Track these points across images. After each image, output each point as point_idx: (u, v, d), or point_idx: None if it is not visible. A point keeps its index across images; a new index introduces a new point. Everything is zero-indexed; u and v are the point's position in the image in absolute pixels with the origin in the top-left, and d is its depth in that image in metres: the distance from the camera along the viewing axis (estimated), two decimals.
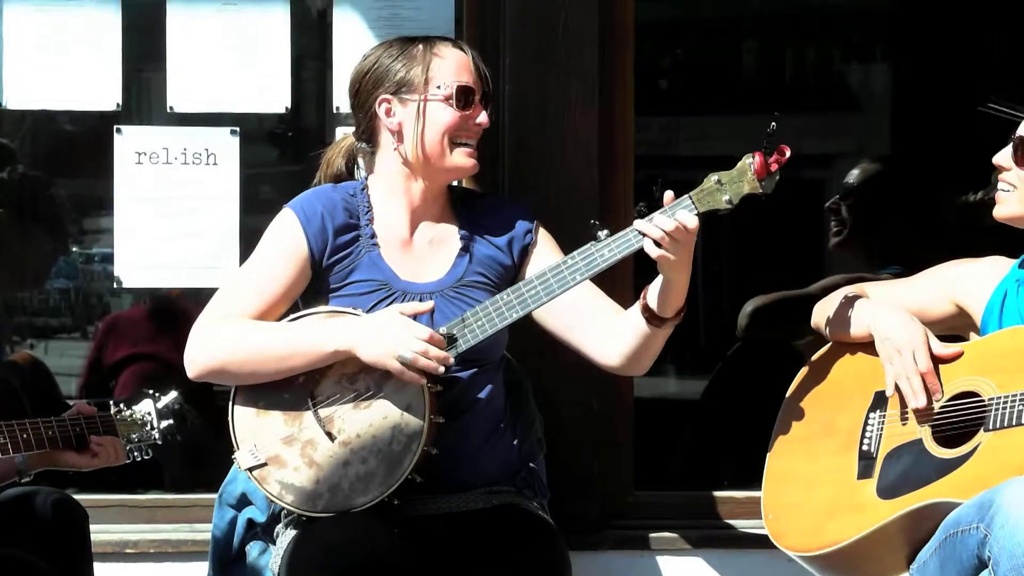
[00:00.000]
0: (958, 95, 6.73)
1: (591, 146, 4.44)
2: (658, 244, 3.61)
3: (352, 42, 4.53)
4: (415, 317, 3.72)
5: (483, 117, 3.87)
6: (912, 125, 7.45)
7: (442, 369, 3.66)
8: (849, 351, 3.87)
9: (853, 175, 5.50)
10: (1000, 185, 3.78)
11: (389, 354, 3.65)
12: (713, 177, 3.66)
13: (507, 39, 4.44)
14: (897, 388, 3.72)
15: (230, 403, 3.80)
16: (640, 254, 3.67)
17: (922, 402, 3.67)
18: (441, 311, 3.80)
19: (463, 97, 3.83)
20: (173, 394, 4.15)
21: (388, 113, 3.85)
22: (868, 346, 3.81)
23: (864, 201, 5.39)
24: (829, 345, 3.93)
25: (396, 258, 3.87)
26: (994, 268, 3.83)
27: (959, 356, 3.71)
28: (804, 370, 3.95)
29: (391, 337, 3.66)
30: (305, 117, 5.90)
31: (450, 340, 3.71)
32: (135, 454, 4.09)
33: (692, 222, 3.60)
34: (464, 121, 3.84)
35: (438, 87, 3.83)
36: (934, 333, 3.76)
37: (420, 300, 3.80)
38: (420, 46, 3.86)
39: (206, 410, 4.76)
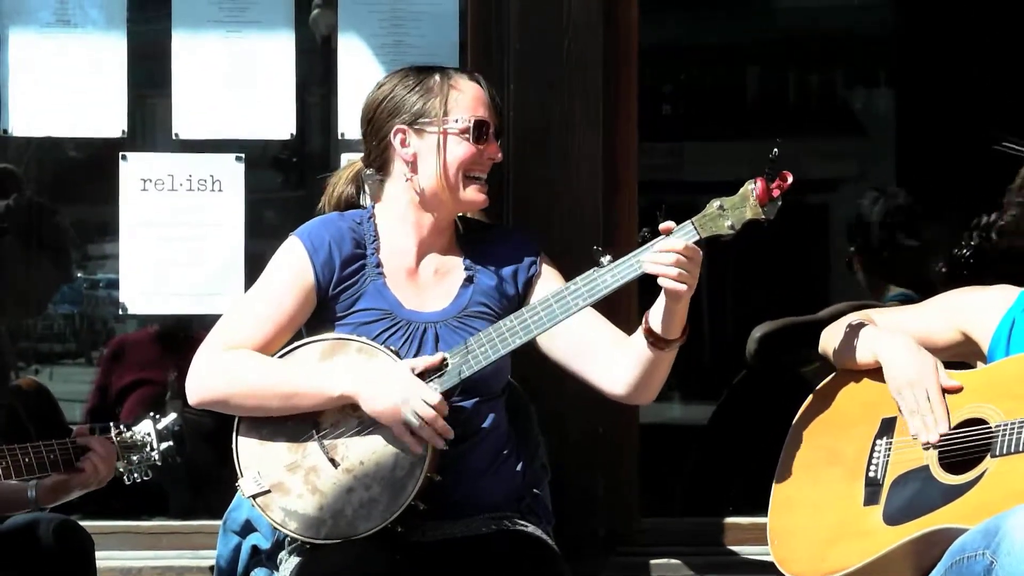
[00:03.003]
0: (962, 120, 6.73)
1: (595, 171, 4.45)
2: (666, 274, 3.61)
3: (357, 68, 4.54)
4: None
5: (496, 151, 3.87)
6: (916, 150, 7.45)
7: (442, 443, 3.65)
8: (856, 378, 3.87)
9: (863, 204, 5.51)
10: None
11: (394, 412, 3.64)
12: (715, 203, 3.66)
13: (511, 64, 4.44)
14: None
15: (234, 431, 3.79)
16: (643, 278, 3.67)
17: (932, 438, 3.67)
18: (444, 341, 3.80)
19: (478, 131, 3.82)
20: (173, 415, 4.15)
21: (403, 143, 3.83)
22: (875, 373, 3.80)
23: (871, 228, 5.40)
24: (836, 372, 3.92)
25: (401, 287, 3.86)
26: (1001, 296, 3.82)
27: (960, 390, 3.71)
28: (812, 397, 3.94)
29: (399, 396, 3.64)
30: (310, 143, 5.89)
31: (443, 365, 3.71)
32: (135, 475, 4.09)
33: (681, 244, 3.58)
34: (479, 155, 3.83)
35: (455, 120, 3.80)
36: (941, 360, 3.76)
37: (424, 330, 3.81)
38: (437, 77, 3.84)
39: (209, 436, 4.75)
